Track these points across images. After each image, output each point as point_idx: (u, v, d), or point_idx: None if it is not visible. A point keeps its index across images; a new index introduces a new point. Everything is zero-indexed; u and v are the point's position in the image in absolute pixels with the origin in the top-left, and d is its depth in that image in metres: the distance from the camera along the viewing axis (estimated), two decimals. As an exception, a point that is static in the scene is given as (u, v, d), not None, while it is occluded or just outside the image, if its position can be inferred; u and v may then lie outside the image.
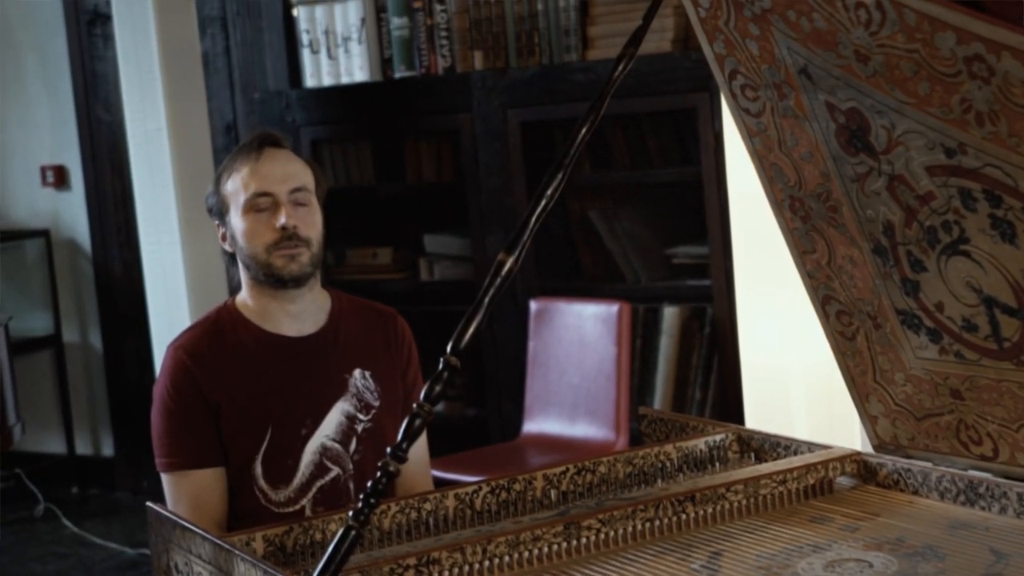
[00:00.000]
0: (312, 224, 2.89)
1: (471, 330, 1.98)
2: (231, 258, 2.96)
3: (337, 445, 2.91)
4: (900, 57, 1.84)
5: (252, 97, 5.75)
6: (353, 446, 2.94)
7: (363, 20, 5.32)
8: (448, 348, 1.98)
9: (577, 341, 4.62)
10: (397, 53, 5.30)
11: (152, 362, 5.55)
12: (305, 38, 5.47)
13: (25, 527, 6.18)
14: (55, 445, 6.76)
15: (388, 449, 1.93)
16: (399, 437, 1.94)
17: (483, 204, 5.07)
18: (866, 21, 1.86)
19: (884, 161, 1.97)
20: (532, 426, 4.71)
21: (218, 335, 2.91)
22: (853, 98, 1.96)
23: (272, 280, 2.87)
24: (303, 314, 2.93)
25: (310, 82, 5.49)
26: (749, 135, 2.16)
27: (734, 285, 4.19)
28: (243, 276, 2.93)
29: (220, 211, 2.90)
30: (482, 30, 5.08)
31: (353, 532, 1.91)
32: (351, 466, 2.93)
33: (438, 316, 5.38)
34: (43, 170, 6.63)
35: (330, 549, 1.90)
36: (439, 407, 5.22)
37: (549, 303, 4.72)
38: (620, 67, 2.11)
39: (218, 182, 2.91)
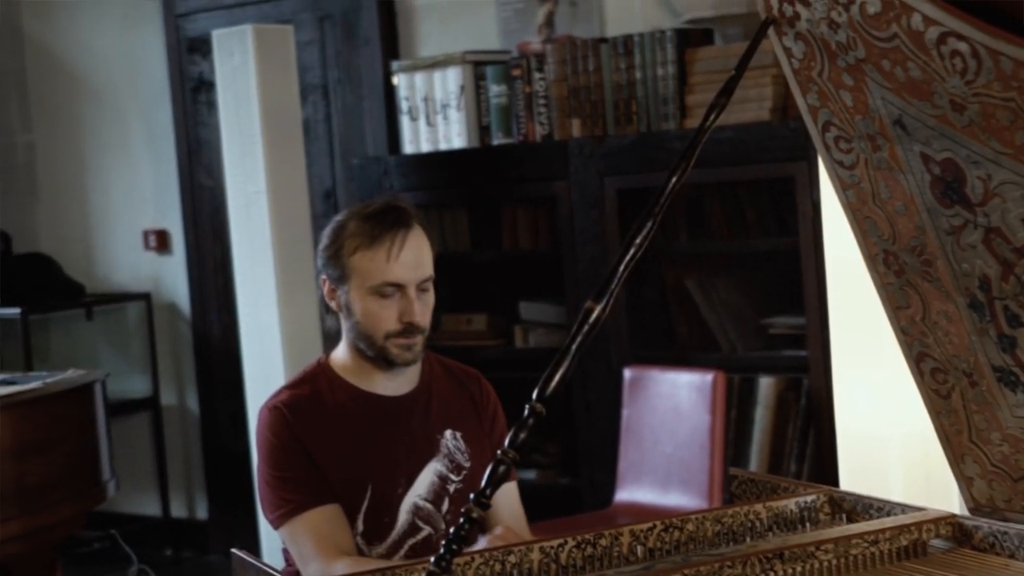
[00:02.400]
0: (429, 310, 2.91)
1: (557, 378, 1.97)
2: (332, 313, 2.97)
3: (429, 505, 2.91)
4: (996, 106, 1.81)
5: (351, 163, 5.79)
6: (445, 506, 2.94)
7: (462, 87, 5.35)
8: (534, 395, 1.96)
9: (671, 410, 4.58)
10: (495, 120, 5.32)
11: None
12: (404, 105, 5.51)
13: (119, 588, 6.22)
14: (150, 507, 6.81)
15: (471, 495, 1.91)
16: (483, 483, 1.92)
17: (579, 272, 5.06)
18: (962, 69, 1.83)
19: (980, 213, 1.94)
20: (624, 495, 4.67)
21: (316, 394, 2.92)
22: (948, 149, 1.93)
23: (382, 361, 2.89)
24: (399, 376, 2.94)
25: (408, 148, 5.52)
26: (842, 188, 2.14)
27: (831, 355, 4.13)
28: (346, 336, 2.94)
29: (338, 278, 2.89)
30: (580, 98, 5.09)
31: (435, 579, 1.89)
32: (443, 526, 2.92)
33: (532, 383, 5.36)
34: (145, 234, 6.73)
35: (412, 596, 1.89)
36: (532, 475, 5.20)
37: (643, 371, 4.69)
38: (711, 116, 2.09)
39: (340, 246, 2.88)
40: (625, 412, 4.70)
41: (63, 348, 6.87)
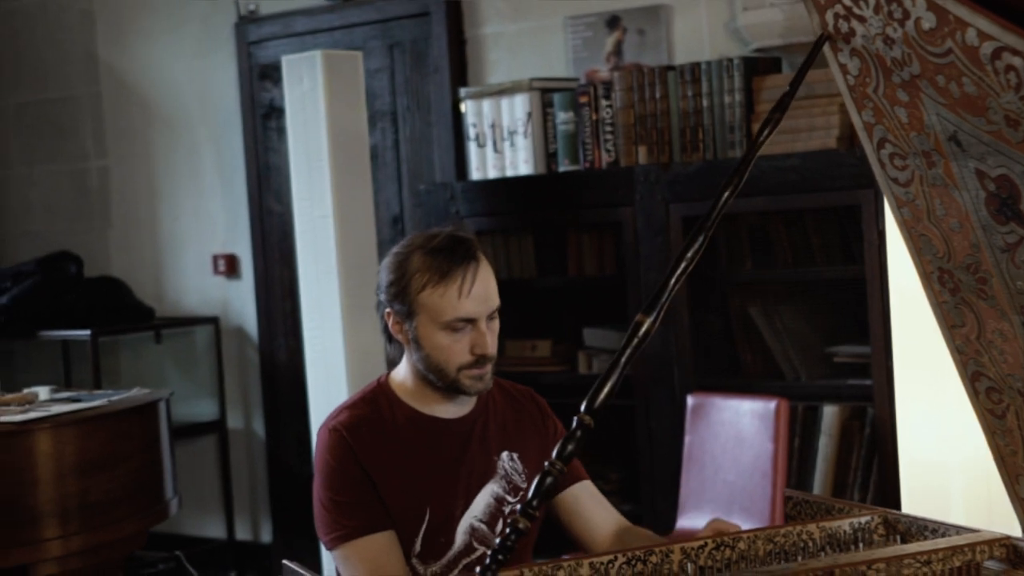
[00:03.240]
0: (496, 341, 2.91)
1: (606, 390, 1.97)
2: (395, 343, 2.96)
3: (484, 526, 2.91)
4: (1050, 121, 1.80)
5: (418, 189, 5.82)
6: (500, 527, 2.94)
7: (529, 115, 5.37)
8: (582, 407, 1.96)
9: (734, 437, 4.56)
10: (562, 147, 5.34)
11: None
12: (472, 132, 5.54)
13: (182, 609, 6.25)
14: (215, 530, 6.85)
15: (519, 506, 1.92)
16: (530, 495, 1.92)
17: (643, 298, 5.05)
18: (1016, 84, 1.82)
19: (1035, 230, 1.93)
20: (686, 522, 4.64)
21: (376, 416, 2.92)
22: (1003, 164, 1.92)
23: (452, 390, 2.89)
24: (460, 400, 2.95)
25: (475, 175, 5.54)
26: (897, 205, 2.13)
27: (895, 384, 4.11)
28: (410, 364, 2.94)
29: (406, 313, 2.87)
30: (647, 125, 5.10)
31: (482, 589, 1.89)
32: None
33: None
34: (215, 259, 6.79)
35: (457, 605, 1.89)
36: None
37: (706, 398, 4.67)
38: (765, 132, 2.09)
39: (407, 283, 2.85)
40: (688, 439, 4.68)
41: (132, 370, 6.94)
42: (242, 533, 6.80)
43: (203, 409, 6.85)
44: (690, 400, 4.70)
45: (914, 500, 3.77)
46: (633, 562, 2.28)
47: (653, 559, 2.29)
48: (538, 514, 1.92)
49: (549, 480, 1.93)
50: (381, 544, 2.83)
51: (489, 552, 1.89)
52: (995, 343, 2.10)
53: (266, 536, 6.75)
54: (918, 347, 3.77)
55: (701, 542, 2.33)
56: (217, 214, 6.81)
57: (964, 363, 2.18)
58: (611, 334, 5.32)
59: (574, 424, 1.96)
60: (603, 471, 5.35)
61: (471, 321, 2.85)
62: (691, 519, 4.64)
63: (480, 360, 2.86)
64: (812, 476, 4.75)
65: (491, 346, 2.87)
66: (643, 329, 2.03)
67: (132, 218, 7.15)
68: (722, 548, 2.34)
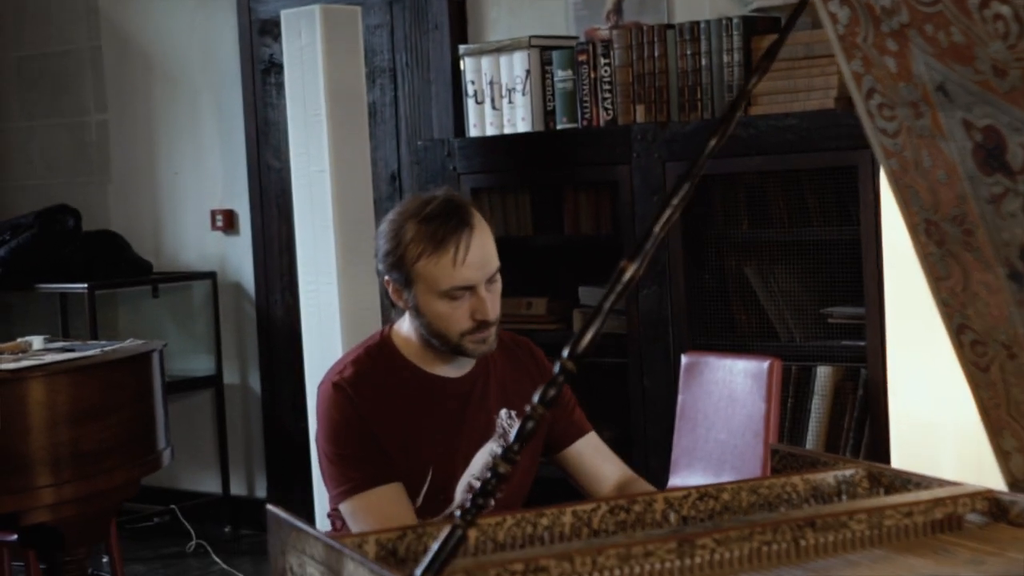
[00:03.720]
0: (498, 299, 2.90)
1: (588, 336, 1.96)
2: (398, 308, 2.96)
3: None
4: (1038, 70, 1.79)
5: (416, 146, 5.81)
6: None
7: (528, 72, 5.36)
8: (564, 353, 1.96)
9: (727, 396, 4.55)
10: (560, 105, 5.32)
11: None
12: (470, 89, 5.52)
13: (177, 562, 6.27)
14: (211, 484, 6.87)
15: (500, 450, 1.91)
16: (512, 439, 1.92)
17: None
18: (1003, 33, 1.81)
19: (1021, 181, 1.92)
20: (678, 480, 4.65)
21: (379, 373, 2.91)
22: (990, 115, 1.91)
23: (456, 354, 2.89)
24: (457, 358, 2.94)
25: (473, 132, 5.53)
26: (885, 156, 2.12)
27: (886, 345, 4.10)
28: (413, 326, 2.92)
29: (404, 282, 2.86)
30: (645, 84, 5.08)
31: (459, 531, 1.89)
32: (494, 504, 2.92)
33: (590, 367, 5.37)
34: (213, 214, 6.78)
35: (434, 548, 1.89)
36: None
37: (700, 357, 4.67)
38: (753, 80, 2.08)
39: (402, 253, 2.83)
40: (680, 398, 4.68)
41: (129, 324, 6.95)
42: (237, 488, 6.82)
43: (199, 364, 6.86)
44: (684, 359, 4.69)
45: (904, 461, 3.77)
46: (616, 511, 2.28)
47: (636, 508, 2.29)
48: (518, 459, 1.92)
49: (530, 424, 1.92)
50: (389, 495, 2.82)
51: (469, 497, 1.89)
52: (980, 295, 2.10)
53: (261, 491, 6.76)
54: (911, 308, 3.76)
55: (685, 492, 2.33)
56: (216, 169, 6.81)
57: (950, 316, 2.18)
58: (607, 293, 5.31)
59: (557, 369, 1.96)
60: (597, 429, 5.33)
61: (469, 288, 2.83)
62: (682, 477, 4.65)
63: (481, 325, 2.85)
64: (805, 436, 4.75)
65: (491, 311, 2.86)
66: (627, 275, 2.02)
67: (131, 172, 7.14)
68: (706, 499, 2.34)
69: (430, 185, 5.49)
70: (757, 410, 4.48)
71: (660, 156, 4.96)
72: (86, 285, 6.42)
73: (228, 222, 6.75)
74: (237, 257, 6.75)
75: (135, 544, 6.49)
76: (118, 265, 6.74)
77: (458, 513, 1.91)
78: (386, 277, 2.89)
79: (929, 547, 2.12)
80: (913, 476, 2.36)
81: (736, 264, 5.04)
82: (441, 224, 2.82)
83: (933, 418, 3.70)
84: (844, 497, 2.40)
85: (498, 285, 2.89)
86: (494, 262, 2.87)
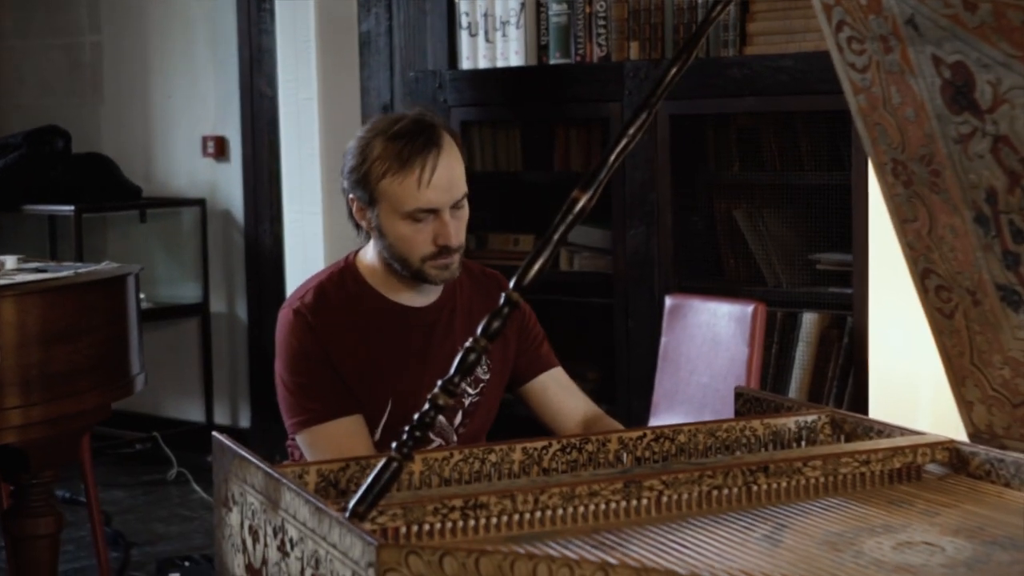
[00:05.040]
0: (463, 226, 2.82)
1: (536, 267, 1.90)
2: (362, 230, 2.88)
3: (442, 418, 2.84)
4: (1007, 5, 1.72)
5: (408, 77, 5.73)
6: (459, 419, 2.88)
7: (523, 5, 5.27)
8: (511, 283, 1.90)
9: (710, 340, 4.49)
10: (554, 39, 5.24)
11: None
12: (464, 20, 5.44)
13: (157, 489, 6.24)
14: (194, 413, 6.83)
15: (439, 382, 1.86)
16: (452, 371, 1.86)
17: (627, 197, 4.98)
18: (975, -35, 1.74)
19: (989, 121, 1.85)
20: (658, 421, 4.59)
21: (340, 300, 2.84)
22: (959, 51, 1.84)
23: (417, 279, 2.81)
24: (427, 287, 2.87)
25: (466, 64, 5.45)
26: (854, 92, 2.05)
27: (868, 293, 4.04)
28: (376, 250, 2.85)
29: (368, 200, 2.78)
30: (640, 20, 4.99)
31: (394, 464, 1.84)
32: (455, 439, 2.87)
33: (574, 307, 5.32)
34: (204, 140, 6.71)
35: (369, 479, 1.84)
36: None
37: (684, 300, 4.60)
38: (718, 8, 2.00)
39: (367, 169, 2.75)
40: (664, 340, 4.61)
41: (117, 249, 6.89)
42: (221, 417, 6.78)
43: (186, 292, 6.80)
44: (668, 301, 4.63)
45: (882, 411, 3.72)
46: (568, 449, 2.23)
47: (589, 447, 2.24)
48: (458, 391, 1.86)
49: (472, 356, 1.86)
50: (347, 428, 2.77)
51: (406, 428, 1.84)
52: (946, 239, 2.03)
53: (244, 421, 6.73)
54: (894, 256, 3.68)
55: (640, 432, 2.27)
56: (208, 95, 6.72)
57: (915, 259, 2.11)
58: (594, 232, 5.25)
59: (501, 300, 1.89)
60: (580, 370, 5.29)
61: (433, 211, 2.76)
62: (663, 420, 4.59)
63: (443, 250, 2.77)
64: (788, 383, 4.70)
65: (455, 236, 2.78)
66: (578, 206, 1.96)
67: (124, 95, 7.06)
68: (661, 440, 2.28)
69: (400, 111, 5.41)
70: (740, 354, 4.42)
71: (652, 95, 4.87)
72: (73, 207, 6.36)
73: (219, 149, 6.67)
74: (227, 184, 6.68)
75: (116, 470, 6.46)
76: (107, 189, 6.67)
77: (393, 446, 1.85)
78: (350, 195, 2.82)
79: (884, 497, 2.06)
80: (876, 424, 2.30)
81: (725, 207, 4.96)
82: (408, 142, 2.74)
83: (912, 368, 3.64)
84: (804, 444, 2.35)
85: (464, 212, 2.81)
86: (461, 187, 2.79)
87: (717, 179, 5.00)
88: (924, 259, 2.08)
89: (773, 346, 4.69)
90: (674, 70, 1.99)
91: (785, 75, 4.60)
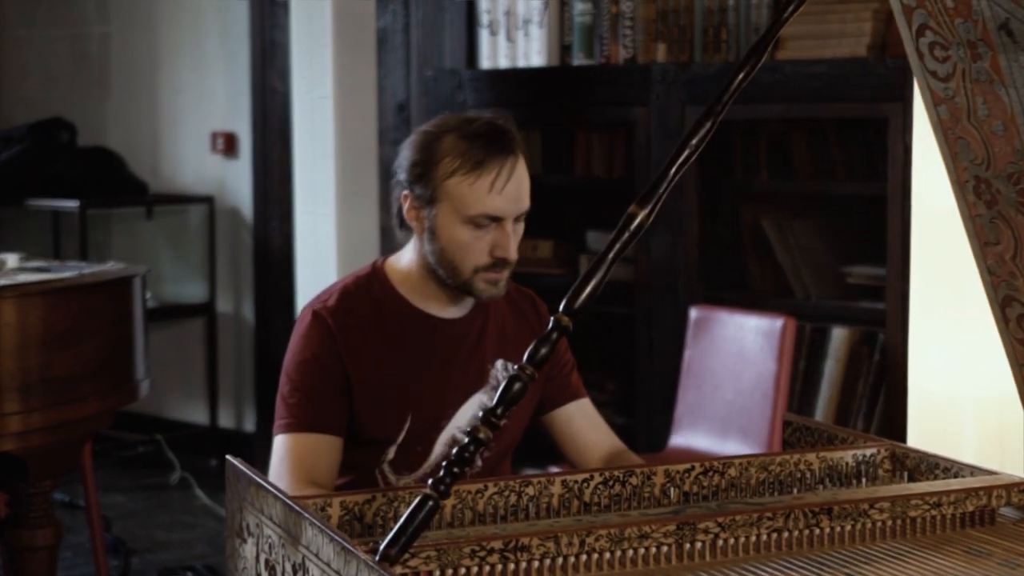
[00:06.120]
0: (517, 244, 2.66)
1: (588, 289, 1.74)
2: (406, 229, 2.71)
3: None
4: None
5: (426, 76, 5.56)
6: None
7: (546, 4, 5.11)
8: (561, 307, 1.73)
9: (736, 354, 4.33)
10: (577, 40, 5.08)
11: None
12: (485, 19, 5.28)
13: (159, 493, 6.08)
14: (198, 415, 6.67)
15: (480, 414, 1.69)
16: (495, 401, 1.70)
17: (651, 203, 4.80)
18: (1084, -34, 1.57)
19: (1090, 137, 1.68)
20: (680, 439, 4.44)
21: (366, 304, 2.67)
22: (1060, 60, 1.67)
23: (463, 291, 2.65)
24: (460, 298, 2.70)
25: (485, 64, 5.29)
26: (934, 103, 1.88)
27: (908, 310, 3.87)
28: (417, 255, 2.68)
29: (427, 199, 2.60)
30: (668, 22, 4.83)
31: (430, 503, 1.67)
32: (479, 463, 2.70)
33: (594, 316, 5.15)
34: (213, 136, 6.55)
35: (403, 519, 1.67)
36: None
37: (710, 312, 4.45)
38: (790, 9, 1.84)
39: (433, 165, 2.58)
40: (687, 353, 4.46)
41: (122, 246, 6.73)
42: (225, 420, 6.61)
43: (192, 291, 6.64)
44: (693, 312, 4.47)
45: (922, 434, 3.55)
46: (611, 483, 2.06)
47: (633, 480, 2.07)
48: (502, 424, 1.70)
49: (517, 386, 1.71)
50: (320, 446, 2.60)
51: (443, 464, 1.67)
52: (1033, 265, 1.86)
53: (249, 425, 6.56)
54: (938, 272, 3.52)
55: (688, 465, 2.11)
56: (218, 90, 6.56)
57: (995, 286, 1.94)
58: (616, 239, 5.08)
59: (551, 325, 1.73)
60: (599, 381, 5.14)
61: (497, 219, 2.59)
62: (685, 437, 4.44)
63: (499, 263, 2.60)
64: (815, 401, 4.53)
65: (513, 250, 2.62)
66: (636, 222, 1.79)
67: (131, 89, 6.90)
68: (710, 474, 2.12)
69: (472, 112, 5.26)
70: (767, 370, 4.26)
71: (680, 98, 4.72)
72: (77, 203, 6.20)
73: (228, 145, 6.50)
74: (236, 182, 6.51)
75: (117, 473, 6.30)
76: (112, 184, 6.50)
77: (430, 483, 1.69)
78: (405, 191, 2.63)
79: (958, 544, 1.90)
80: (941, 460, 2.13)
81: (753, 216, 4.80)
82: (485, 144, 2.57)
83: (954, 391, 3.47)
84: (864, 480, 2.18)
85: (521, 228, 2.66)
86: (527, 200, 2.64)
87: (745, 187, 4.84)
88: (1006, 286, 1.92)
89: (800, 361, 4.52)
90: (741, 75, 1.82)
91: (818, 81, 4.44)
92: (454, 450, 1.68)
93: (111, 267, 4.19)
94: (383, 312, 2.66)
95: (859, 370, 4.47)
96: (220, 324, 6.59)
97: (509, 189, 2.57)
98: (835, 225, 4.72)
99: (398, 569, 1.70)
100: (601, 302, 5.09)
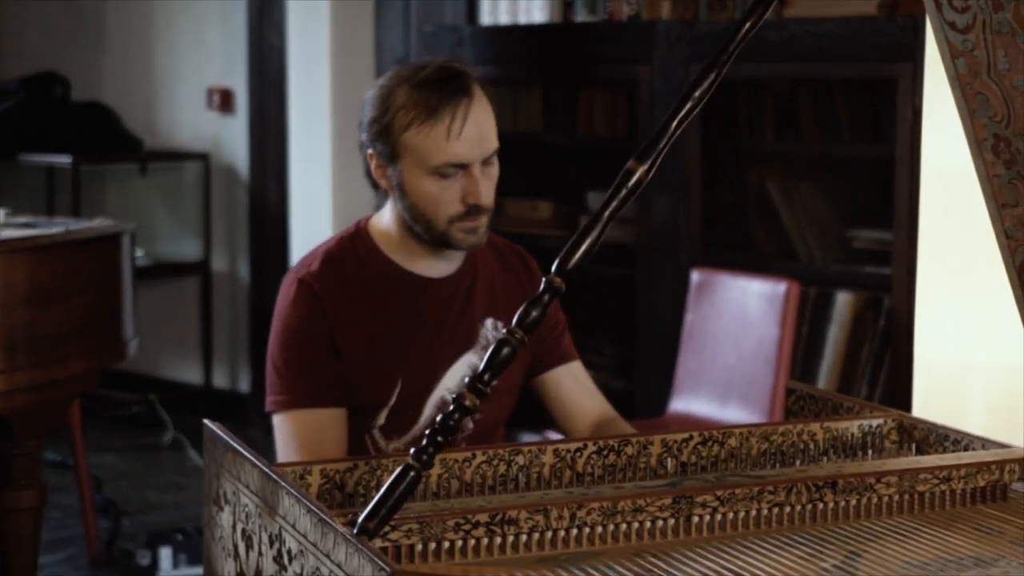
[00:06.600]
0: (494, 186, 2.54)
1: (582, 249, 1.64)
2: (380, 188, 2.61)
3: None
4: None
5: (425, 32, 5.45)
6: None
7: (548, -42, 5.00)
8: (553, 268, 1.64)
9: (738, 318, 4.24)
10: (581, -4, 4.98)
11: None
12: (486, -27, 5.18)
13: (151, 454, 6.01)
14: (192, 375, 6.59)
15: (467, 380, 1.60)
16: (482, 367, 1.61)
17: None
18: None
19: (1117, 93, 1.58)
20: (679, 404, 4.35)
21: (351, 267, 2.57)
22: (1087, 10, 1.57)
23: (441, 244, 2.55)
24: (447, 257, 2.60)
25: (486, 19, 5.18)
26: (952, 56, 1.78)
27: (916, 275, 3.77)
28: (394, 213, 2.58)
29: (389, 155, 2.51)
30: (673, -23, 4.73)
31: (412, 473, 1.59)
32: (471, 425, 2.60)
33: (594, 278, 5.05)
34: (209, 92, 6.44)
35: (383, 491, 1.58)
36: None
37: (712, 275, 4.35)
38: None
39: (390, 120, 2.48)
40: (689, 317, 4.36)
41: (116, 203, 6.64)
42: (220, 380, 6.53)
43: (187, 249, 6.55)
44: (695, 276, 4.37)
45: (928, 403, 3.45)
46: (605, 452, 1.97)
47: (628, 450, 1.98)
48: (489, 390, 1.60)
49: (506, 351, 1.61)
50: (322, 421, 2.51)
51: (427, 432, 1.58)
52: (1052, 229, 1.77)
53: (244, 385, 6.48)
54: (947, 238, 3.42)
55: (686, 435, 2.01)
56: (215, 45, 6.44)
57: (1012, 249, 1.84)
58: (617, 200, 4.98)
59: (543, 286, 1.64)
60: (598, 344, 5.05)
61: (463, 166, 2.48)
62: (685, 402, 4.35)
63: (473, 210, 2.50)
64: (818, 367, 4.44)
65: (485, 195, 2.51)
66: (634, 178, 1.70)
67: (127, 43, 6.78)
68: (709, 444, 2.02)
69: (424, 58, 5.16)
70: (770, 335, 4.17)
71: (684, 56, 4.60)
72: (70, 158, 6.09)
73: (224, 101, 6.39)
74: (232, 139, 6.40)
75: (110, 433, 6.22)
76: (107, 140, 6.40)
77: (412, 451, 1.60)
78: (369, 150, 2.54)
79: (969, 521, 1.81)
80: (951, 432, 2.04)
81: (758, 177, 4.69)
82: (436, 90, 2.46)
83: (962, 360, 3.37)
84: (870, 452, 2.09)
85: (495, 170, 2.54)
86: (492, 141, 2.52)
87: (750, 148, 4.73)
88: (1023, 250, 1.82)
89: (804, 326, 4.43)
90: (747, 26, 1.72)
91: (827, 40, 4.33)
92: (438, 418, 1.59)
93: (99, 224, 4.10)
94: (369, 274, 2.57)
95: (864, 336, 4.37)
96: (215, 283, 6.50)
97: (468, 132, 2.46)
98: (841, 188, 4.62)
99: (378, 542, 1.61)
100: (601, 264, 5.04)
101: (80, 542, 4.82)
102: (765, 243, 4.70)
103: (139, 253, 6.41)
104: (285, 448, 2.53)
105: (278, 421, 2.55)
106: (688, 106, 1.71)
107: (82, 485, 4.67)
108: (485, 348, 2.58)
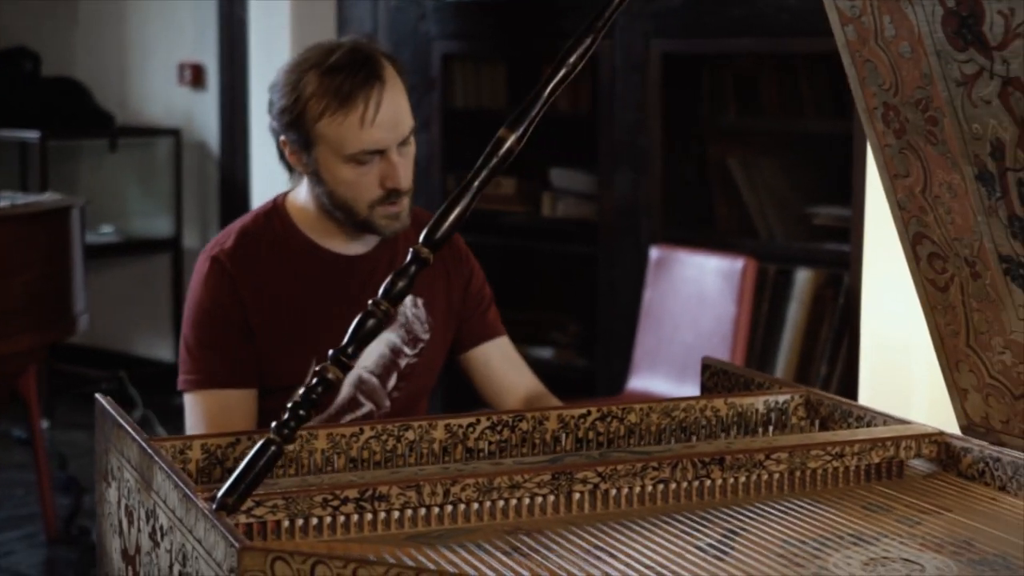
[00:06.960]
0: (411, 166, 2.49)
1: (451, 218, 1.60)
2: (295, 172, 2.55)
3: (375, 379, 2.52)
4: (1026, -83, 1.41)
5: (390, 5, 5.41)
6: (393, 382, 2.55)
7: (512, -68, 4.95)
8: (421, 238, 1.60)
9: (696, 296, 4.20)
10: (543, -31, 4.92)
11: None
12: (451, -53, 5.12)
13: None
14: (164, 352, 6.55)
15: (330, 352, 1.56)
16: (346, 339, 1.57)
17: (615, 139, 4.66)
18: None
19: (998, 59, 1.54)
20: (638, 382, 4.31)
21: (266, 245, 2.51)
22: (966, -26, 1.53)
23: (363, 230, 2.50)
24: (359, 234, 2.54)
25: (450, -6, 5.14)
26: (841, 22, 1.74)
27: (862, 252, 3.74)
28: (312, 195, 2.53)
29: (302, 143, 2.44)
30: (636, -49, 4.67)
31: (273, 448, 1.55)
32: (387, 403, 2.55)
33: (555, 255, 5.02)
34: (181, 67, 6.40)
35: (242, 465, 1.55)
36: (548, 353, 4.85)
37: (671, 252, 4.31)
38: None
39: (301, 109, 2.41)
40: (647, 294, 4.33)
41: (88, 179, 6.60)
42: (191, 358, 6.49)
43: (158, 226, 6.51)
44: (653, 252, 4.34)
45: (875, 381, 3.42)
46: (499, 427, 1.93)
47: (523, 426, 1.94)
48: (352, 363, 1.57)
49: (371, 323, 1.58)
50: (233, 401, 2.46)
51: (288, 406, 1.54)
52: (942, 199, 1.72)
53: (215, 363, 6.44)
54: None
55: (583, 410, 1.98)
56: (186, 20, 6.40)
57: (906, 221, 1.81)
58: (579, 176, 4.94)
59: (409, 257, 1.60)
60: (561, 321, 5.01)
61: (379, 152, 2.44)
62: (643, 380, 4.31)
63: (392, 194, 2.45)
64: (778, 345, 4.40)
65: (404, 178, 2.46)
66: (505, 146, 1.67)
67: (99, 18, 6.73)
68: (608, 419, 1.99)
69: (400, 50, 5.10)
70: (727, 313, 4.13)
71: (645, 32, 4.56)
72: (38, 133, 6.05)
73: (196, 77, 6.35)
74: (203, 115, 6.36)
75: (78, 410, 6.18)
76: (78, 115, 6.36)
77: (272, 425, 1.57)
78: (282, 137, 2.48)
79: (859, 499, 1.77)
80: (856, 408, 2.00)
81: (719, 153, 4.65)
82: (347, 77, 2.40)
83: (908, 337, 3.33)
84: (771, 429, 2.05)
85: (412, 149, 2.49)
86: (408, 121, 2.47)
87: (711, 124, 4.69)
88: (916, 222, 1.78)
89: (763, 304, 4.39)
90: (626, -11, 1.68)
91: (788, 14, 4.28)
92: (300, 391, 1.55)
93: (47, 198, 4.07)
94: (284, 252, 2.52)
95: (823, 313, 4.34)
96: (187, 260, 6.46)
97: (383, 118, 2.40)
98: (803, 164, 4.58)
99: (241, 519, 1.57)
100: (563, 241, 4.99)
101: (40, 520, 4.79)
102: (725, 220, 4.66)
103: (110, 230, 6.38)
104: (193, 428, 2.49)
105: (188, 400, 2.51)
106: (562, 72, 1.67)
107: (39, 462, 4.64)
108: (404, 326, 2.54)
